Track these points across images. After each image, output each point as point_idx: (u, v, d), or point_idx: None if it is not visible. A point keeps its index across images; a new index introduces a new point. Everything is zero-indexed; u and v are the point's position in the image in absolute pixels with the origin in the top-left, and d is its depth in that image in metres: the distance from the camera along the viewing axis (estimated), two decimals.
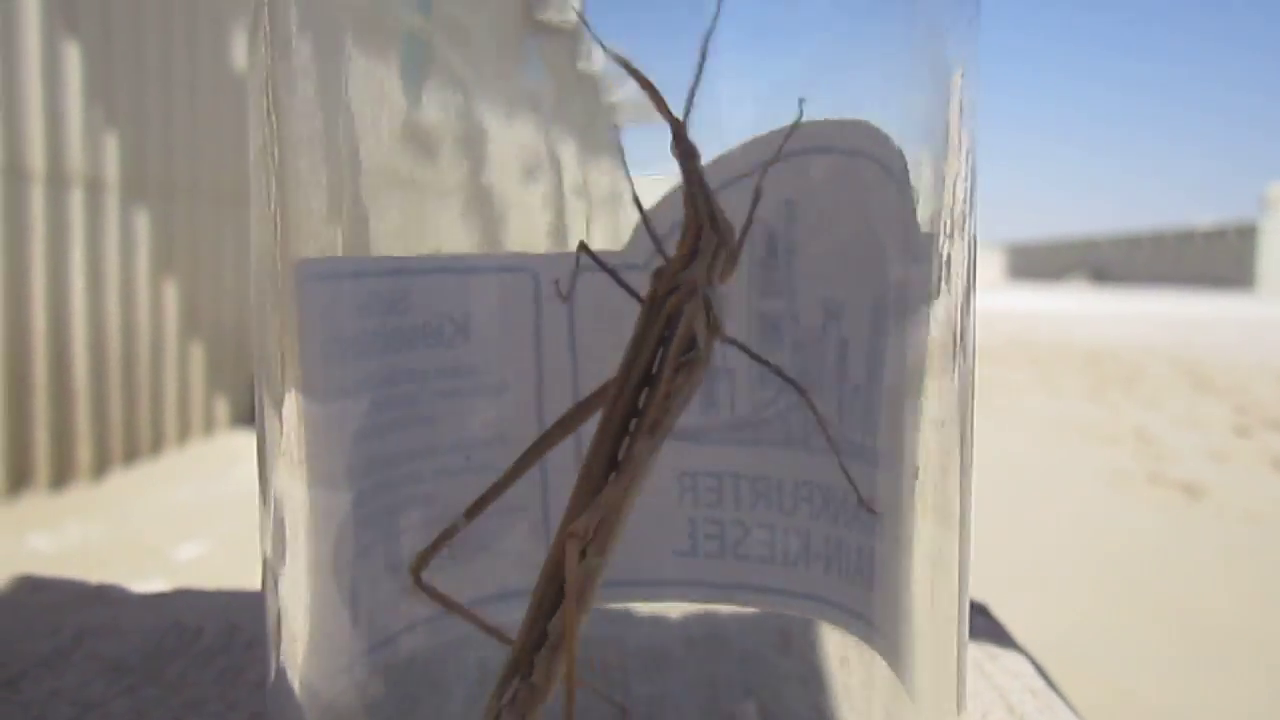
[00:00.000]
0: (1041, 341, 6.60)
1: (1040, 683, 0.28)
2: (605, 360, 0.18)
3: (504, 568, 0.20)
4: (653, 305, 0.17)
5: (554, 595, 0.17)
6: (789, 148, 0.17)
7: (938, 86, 0.18)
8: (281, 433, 0.18)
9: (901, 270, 0.18)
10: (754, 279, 0.18)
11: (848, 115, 0.18)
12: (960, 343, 0.18)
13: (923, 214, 0.18)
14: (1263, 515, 2.24)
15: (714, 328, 0.17)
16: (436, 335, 0.19)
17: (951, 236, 0.18)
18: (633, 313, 0.17)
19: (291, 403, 0.18)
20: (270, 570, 0.19)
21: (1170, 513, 2.27)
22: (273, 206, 0.18)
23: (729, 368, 0.19)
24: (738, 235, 0.17)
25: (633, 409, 0.17)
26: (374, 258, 0.18)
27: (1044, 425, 3.34)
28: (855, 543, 0.18)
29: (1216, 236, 26.33)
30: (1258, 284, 23.20)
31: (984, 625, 0.32)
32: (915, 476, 0.18)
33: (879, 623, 0.18)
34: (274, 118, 0.18)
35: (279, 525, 0.19)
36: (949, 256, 0.18)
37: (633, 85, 0.17)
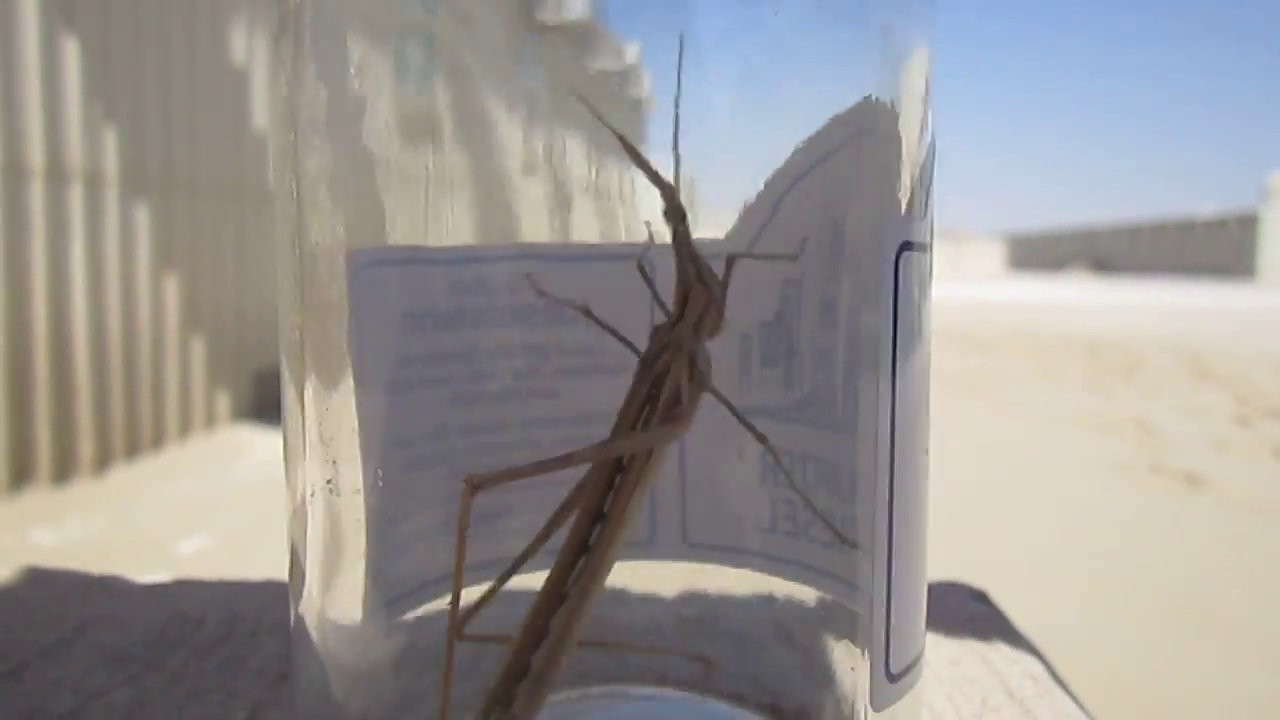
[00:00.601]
0: (1042, 332, 6.60)
1: (1040, 668, 0.28)
2: (714, 344, 0.18)
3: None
4: (645, 364, 0.18)
5: (542, 626, 0.18)
6: (815, 155, 0.18)
7: (894, 73, 0.18)
8: (305, 419, 0.19)
9: (871, 245, 0.19)
10: (822, 267, 0.19)
11: (809, 99, 0.18)
12: (919, 322, 0.19)
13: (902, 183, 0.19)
14: (1264, 504, 2.24)
15: (699, 383, 0.18)
16: (559, 315, 0.20)
17: (911, 215, 0.19)
18: (737, 303, 0.18)
19: (321, 390, 0.19)
20: (299, 552, 0.19)
21: (1171, 502, 2.28)
22: (294, 203, 0.19)
23: (801, 349, 0.19)
24: (719, 294, 0.18)
25: (618, 466, 0.18)
26: (444, 247, 0.19)
27: (1045, 415, 3.35)
28: (843, 513, 0.19)
29: (1217, 226, 26.31)
30: (1259, 274, 23.19)
31: (984, 612, 0.33)
32: (883, 445, 0.19)
33: (864, 585, 0.19)
34: (294, 119, 0.19)
35: (304, 508, 0.19)
36: (911, 235, 0.19)
37: (642, 84, 0.18)
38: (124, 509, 2.10)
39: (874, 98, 0.18)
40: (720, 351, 0.19)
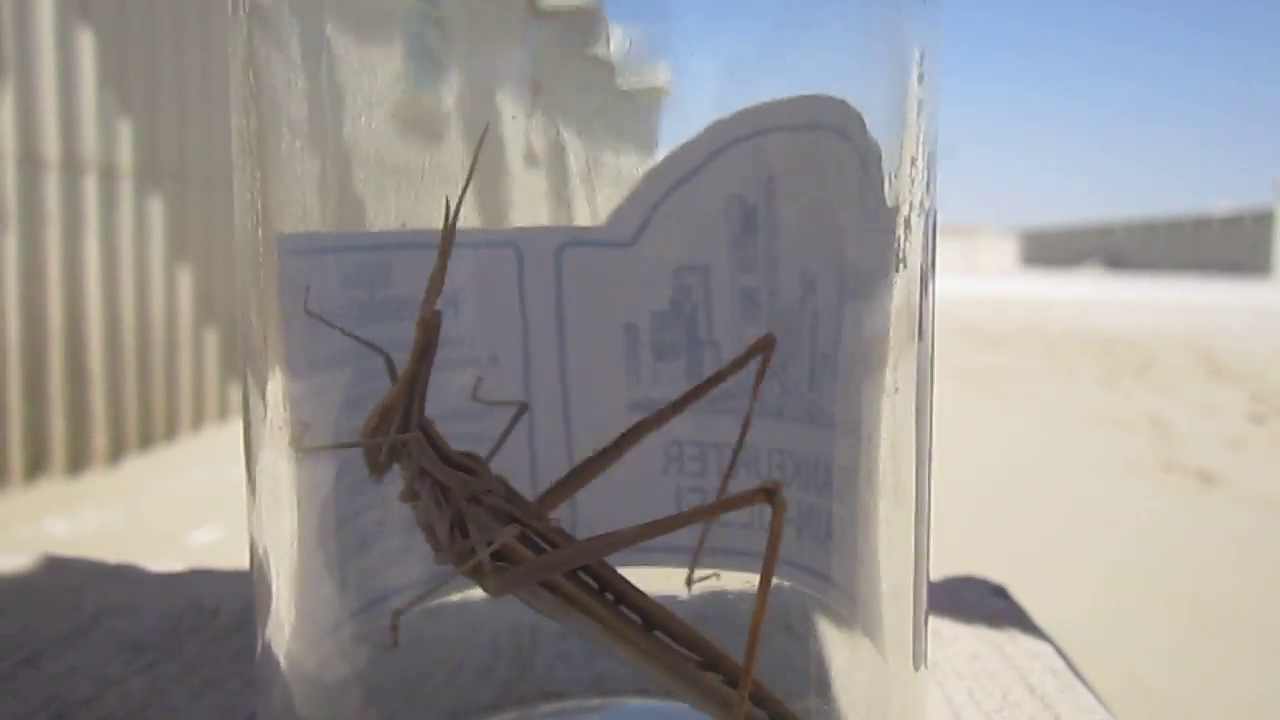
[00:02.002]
0: (1055, 328, 6.57)
1: (1060, 663, 0.28)
2: (592, 335, 0.18)
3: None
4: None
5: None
6: (758, 125, 0.18)
7: (898, 67, 0.18)
8: (266, 410, 0.19)
9: (862, 241, 0.18)
10: (731, 255, 0.18)
11: (802, 94, 0.18)
12: (919, 317, 0.19)
13: (885, 188, 0.18)
14: (1278, 502, 2.23)
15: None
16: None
17: (911, 214, 0.18)
18: (620, 288, 0.18)
19: (276, 378, 0.19)
20: (257, 546, 0.19)
21: (1184, 500, 2.26)
22: (255, 185, 0.18)
23: (714, 340, 0.19)
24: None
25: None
26: (357, 233, 0.19)
27: (1057, 412, 3.33)
28: (824, 508, 0.19)
29: (1233, 223, 26.14)
30: (1274, 270, 23.03)
31: (1003, 607, 0.32)
32: (876, 443, 0.19)
33: (839, 581, 0.19)
34: (257, 96, 0.18)
35: (266, 500, 0.19)
36: (908, 233, 0.18)
37: (642, 71, 0.18)
38: (137, 500, 2.11)
39: (820, 94, 0.18)
40: (606, 343, 0.18)
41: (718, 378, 0.18)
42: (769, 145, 0.18)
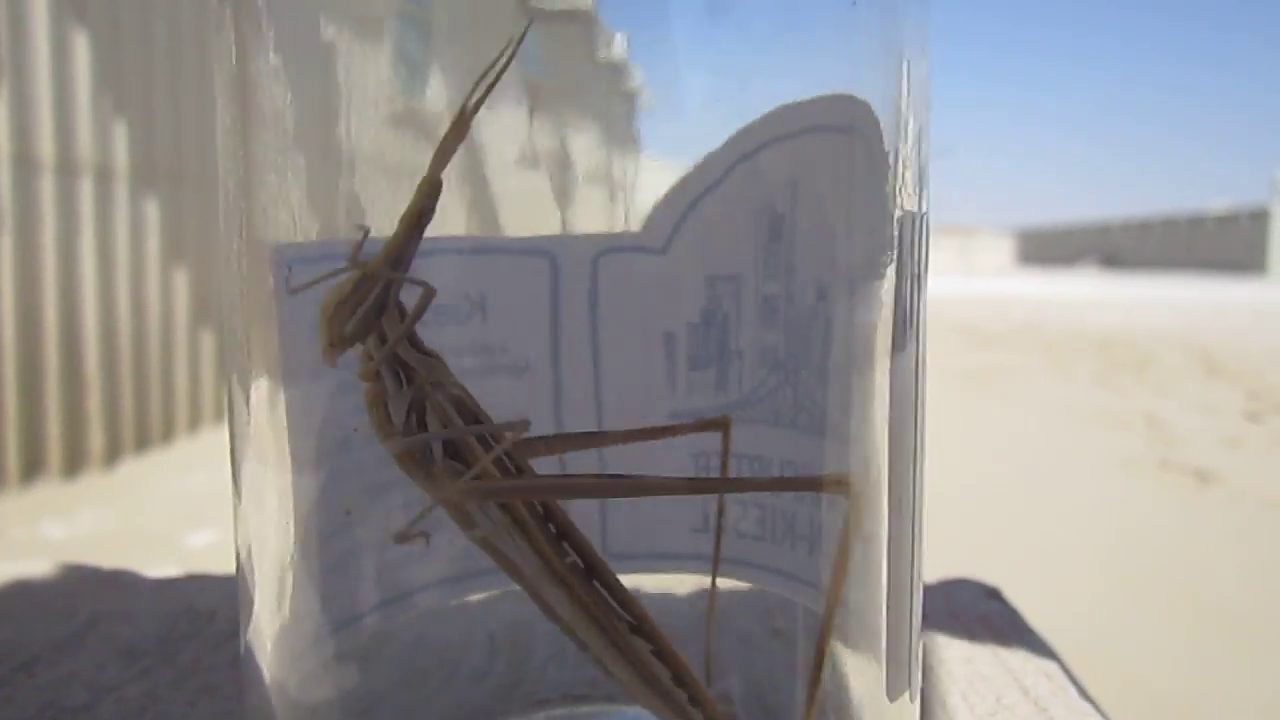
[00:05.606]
0: (1052, 327, 6.57)
1: (1054, 666, 0.28)
2: (628, 344, 0.18)
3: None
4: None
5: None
6: (785, 128, 0.17)
7: (889, 69, 0.18)
8: (251, 418, 0.18)
9: (869, 245, 0.18)
10: (758, 262, 0.18)
11: (799, 97, 0.18)
12: (913, 321, 0.19)
13: (888, 195, 0.18)
14: (1275, 501, 2.23)
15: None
16: (450, 314, 0.19)
17: (904, 216, 0.18)
18: (651, 295, 0.17)
19: (262, 387, 0.18)
20: (243, 555, 0.19)
21: (1181, 498, 2.27)
22: (240, 190, 0.18)
23: (739, 349, 0.19)
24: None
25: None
26: (348, 241, 0.18)
27: (1054, 410, 3.33)
28: (806, 513, 0.19)
29: (1228, 221, 26.17)
30: (1269, 268, 23.06)
31: (999, 610, 0.32)
32: (872, 450, 0.18)
33: (848, 601, 0.19)
34: (243, 96, 0.18)
35: (251, 510, 0.19)
36: (901, 236, 0.18)
37: (633, 77, 0.17)
38: (134, 502, 2.10)
39: (838, 94, 0.18)
40: (642, 352, 0.18)
41: (666, 431, 0.18)
42: (795, 149, 0.18)
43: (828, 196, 0.18)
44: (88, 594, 0.33)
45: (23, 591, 0.34)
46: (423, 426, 0.17)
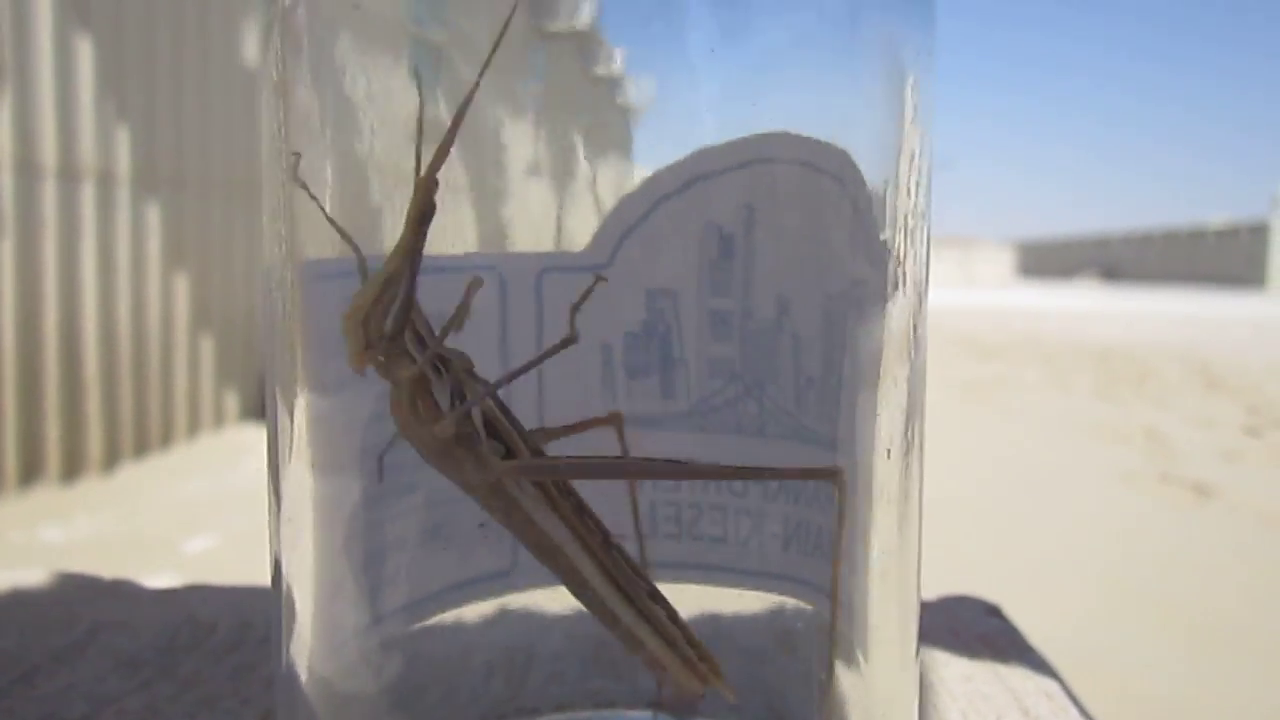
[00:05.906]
0: (1052, 339, 6.58)
1: (1055, 685, 0.28)
2: (571, 359, 0.19)
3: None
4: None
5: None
6: (747, 155, 0.18)
7: (892, 94, 0.18)
8: (293, 427, 0.19)
9: (855, 273, 0.19)
10: (705, 279, 0.19)
11: (802, 122, 0.18)
12: (914, 340, 0.19)
13: (878, 219, 0.19)
14: (1274, 515, 2.23)
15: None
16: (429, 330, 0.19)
17: (905, 239, 0.19)
18: (598, 311, 0.18)
19: (302, 397, 0.19)
20: (280, 563, 0.19)
21: (1180, 512, 2.27)
22: (283, 205, 0.18)
23: (684, 359, 0.20)
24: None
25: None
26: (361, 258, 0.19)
27: (1054, 423, 3.33)
28: (817, 521, 0.20)
29: (1228, 235, 26.20)
30: (1269, 283, 23.09)
31: (999, 627, 0.32)
32: (886, 456, 0.19)
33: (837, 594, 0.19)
34: (286, 118, 0.18)
35: (291, 518, 0.19)
36: (902, 258, 0.19)
37: (629, 92, 0.18)
38: (132, 507, 2.10)
39: (814, 138, 0.18)
40: (581, 361, 0.19)
41: (561, 430, 0.19)
42: (752, 176, 0.18)
43: (789, 225, 0.19)
44: (87, 603, 0.33)
45: (22, 601, 0.34)
46: (465, 414, 0.18)
